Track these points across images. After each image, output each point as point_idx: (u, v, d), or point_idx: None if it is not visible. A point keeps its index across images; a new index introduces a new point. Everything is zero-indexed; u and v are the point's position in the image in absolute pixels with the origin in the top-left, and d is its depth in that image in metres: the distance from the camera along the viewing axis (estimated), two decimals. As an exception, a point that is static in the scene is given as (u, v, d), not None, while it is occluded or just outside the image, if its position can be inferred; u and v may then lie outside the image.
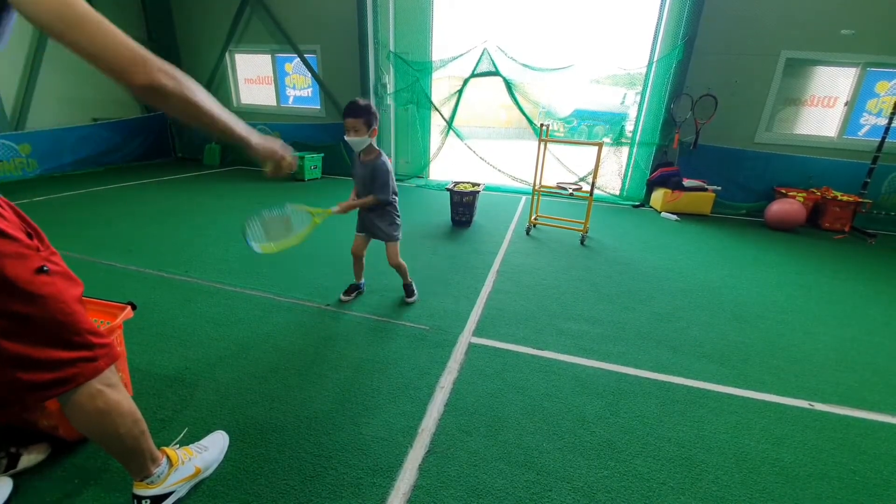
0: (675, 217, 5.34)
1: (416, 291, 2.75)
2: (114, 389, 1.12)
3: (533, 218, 4.47)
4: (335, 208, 2.28)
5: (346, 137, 2.26)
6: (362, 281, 2.82)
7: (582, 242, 4.17)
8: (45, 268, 0.96)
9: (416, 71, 6.54)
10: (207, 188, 5.90)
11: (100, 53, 0.81)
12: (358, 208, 2.47)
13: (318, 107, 7.47)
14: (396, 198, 2.51)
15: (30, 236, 0.96)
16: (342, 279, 3.02)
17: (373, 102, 7.02)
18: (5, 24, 0.88)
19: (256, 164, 7.89)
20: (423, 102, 6.59)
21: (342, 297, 2.74)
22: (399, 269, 2.66)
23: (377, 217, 2.51)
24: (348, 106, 2.18)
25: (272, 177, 1.25)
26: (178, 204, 4.96)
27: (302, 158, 6.60)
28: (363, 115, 2.18)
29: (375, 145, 2.36)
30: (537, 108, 6.50)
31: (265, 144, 1.19)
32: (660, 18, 5.64)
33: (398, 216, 2.57)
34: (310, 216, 2.12)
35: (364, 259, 2.72)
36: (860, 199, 5.03)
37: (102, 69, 0.82)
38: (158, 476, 1.26)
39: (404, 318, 2.54)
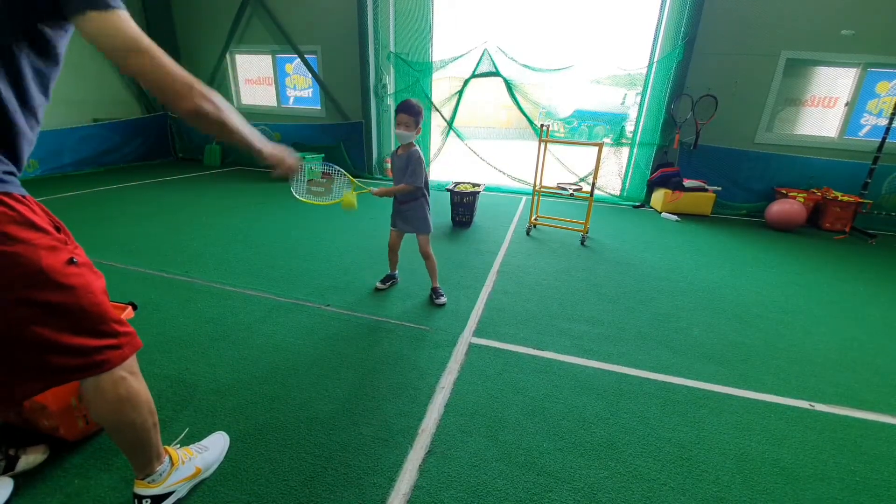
0: (675, 217, 5.34)
1: (444, 295, 2.79)
2: (135, 378, 1.16)
3: (533, 218, 4.47)
4: (375, 189, 2.47)
5: (396, 130, 2.46)
6: (397, 271, 2.98)
7: (582, 243, 4.17)
8: (75, 259, 1.00)
9: (417, 71, 6.54)
10: (207, 188, 5.90)
11: (158, 82, 0.94)
12: (393, 198, 2.64)
13: (319, 107, 7.47)
14: (428, 192, 2.64)
15: (57, 230, 1.01)
16: (342, 279, 3.03)
17: (373, 103, 7.01)
18: (61, 46, 0.97)
19: (256, 165, 7.87)
20: (424, 103, 6.60)
21: (378, 286, 2.90)
22: (428, 262, 2.76)
23: (409, 210, 2.62)
24: (405, 104, 2.41)
25: (277, 178, 1.42)
26: (179, 204, 4.96)
27: (302, 159, 6.59)
28: (415, 115, 2.41)
29: (416, 142, 2.55)
30: (538, 109, 6.51)
31: (275, 153, 1.35)
32: (660, 18, 5.64)
33: (428, 210, 2.66)
34: (349, 186, 2.42)
35: (399, 252, 2.87)
36: (861, 200, 5.02)
37: (156, 94, 0.95)
38: (160, 475, 1.26)
39: (404, 319, 2.54)
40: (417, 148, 2.52)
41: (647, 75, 5.87)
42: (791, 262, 3.93)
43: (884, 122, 5.09)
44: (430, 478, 1.48)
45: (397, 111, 2.43)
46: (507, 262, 3.55)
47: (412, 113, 2.39)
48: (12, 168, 0.94)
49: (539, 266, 3.50)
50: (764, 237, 4.77)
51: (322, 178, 2.47)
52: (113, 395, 1.10)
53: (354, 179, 2.42)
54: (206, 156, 7.87)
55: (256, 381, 1.92)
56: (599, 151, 4.05)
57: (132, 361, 1.15)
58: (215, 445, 1.49)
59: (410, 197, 2.59)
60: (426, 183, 2.59)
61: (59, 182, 5.84)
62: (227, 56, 7.65)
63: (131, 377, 1.14)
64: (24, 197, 0.94)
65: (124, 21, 0.89)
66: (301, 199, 2.32)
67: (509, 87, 6.22)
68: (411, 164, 2.48)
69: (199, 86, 0.99)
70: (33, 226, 0.93)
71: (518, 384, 1.99)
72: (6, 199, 0.89)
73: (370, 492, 1.41)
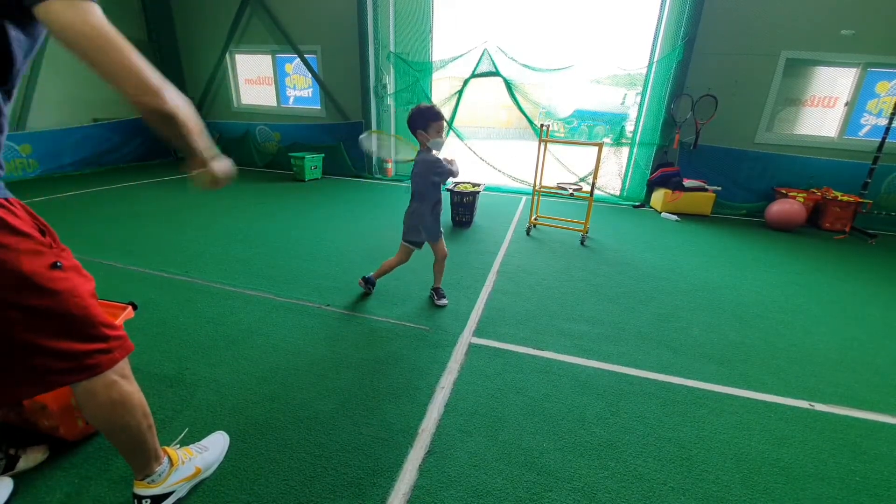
0: (675, 217, 5.34)
1: (445, 296, 2.76)
2: (127, 381, 1.15)
3: (533, 218, 4.46)
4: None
5: (435, 140, 2.34)
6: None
7: (582, 243, 4.16)
8: (59, 263, 0.99)
9: (417, 71, 6.54)
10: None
11: (115, 77, 0.86)
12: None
13: (319, 107, 7.47)
14: (414, 197, 2.54)
15: (42, 233, 0.99)
16: (342, 279, 3.03)
17: (373, 103, 6.99)
18: (37, 36, 0.92)
19: (256, 165, 7.86)
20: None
21: (369, 291, 2.84)
22: (443, 263, 2.73)
23: (438, 216, 2.59)
24: (436, 110, 2.32)
25: (197, 186, 1.17)
26: (178, 204, 4.96)
27: (302, 159, 6.61)
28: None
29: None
30: (537, 109, 6.50)
31: (213, 166, 1.15)
32: (660, 18, 5.64)
33: (412, 217, 2.56)
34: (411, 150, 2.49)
35: (438, 259, 2.75)
36: (860, 200, 5.02)
37: (116, 89, 0.88)
38: (160, 475, 1.26)
39: (404, 318, 2.54)
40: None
41: (647, 75, 5.86)
42: (791, 262, 3.93)
43: (884, 121, 5.09)
44: (430, 478, 1.48)
45: (434, 119, 2.30)
46: (506, 262, 3.55)
47: (443, 116, 2.35)
48: None
49: (539, 266, 3.50)
50: (764, 237, 4.77)
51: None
52: (105, 398, 1.09)
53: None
54: (206, 156, 7.85)
55: (256, 381, 1.93)
56: (599, 151, 4.05)
57: (123, 365, 1.14)
58: (215, 445, 1.49)
59: (438, 201, 2.54)
60: (414, 190, 2.51)
61: (58, 182, 5.84)
62: (227, 56, 7.65)
63: (123, 380, 1.13)
64: (6, 200, 0.92)
65: (95, 10, 0.83)
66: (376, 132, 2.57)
67: (509, 87, 6.22)
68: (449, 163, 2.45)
69: (163, 87, 0.92)
70: (13, 230, 0.91)
71: (518, 384, 2.00)
72: None
73: (370, 492, 1.41)
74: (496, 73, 6.21)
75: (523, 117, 6.37)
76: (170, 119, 0.94)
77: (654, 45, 5.80)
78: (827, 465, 1.63)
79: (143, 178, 6.37)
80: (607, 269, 3.49)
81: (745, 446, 1.70)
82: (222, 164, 1.17)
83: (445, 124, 2.34)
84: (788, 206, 4.97)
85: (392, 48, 6.65)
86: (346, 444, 1.60)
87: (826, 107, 5.56)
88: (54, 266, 0.97)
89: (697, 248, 4.22)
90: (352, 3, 6.39)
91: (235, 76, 7.91)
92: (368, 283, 2.80)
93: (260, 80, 7.82)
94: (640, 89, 6.13)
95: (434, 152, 2.41)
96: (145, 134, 7.69)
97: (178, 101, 0.95)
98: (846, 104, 5.44)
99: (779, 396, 2.01)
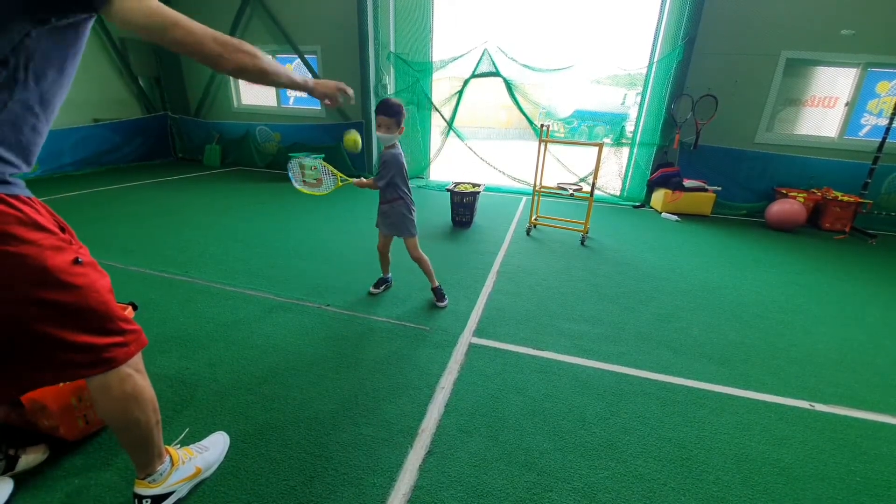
0: (675, 217, 5.34)
1: (446, 296, 2.76)
2: (141, 375, 1.17)
3: (533, 218, 4.46)
4: (355, 180, 2.53)
5: (376, 133, 2.40)
6: (389, 274, 2.94)
7: (582, 243, 4.16)
8: (80, 259, 1.01)
9: (417, 71, 6.54)
10: (207, 189, 5.90)
11: (192, 50, 1.05)
12: (369, 189, 2.63)
13: (319, 107, 7.47)
14: (409, 193, 2.57)
15: (62, 230, 1.02)
16: (342, 279, 3.03)
17: (373, 103, 7.01)
18: (82, 34, 0.98)
19: (256, 165, 7.88)
20: (424, 103, 6.59)
21: (372, 290, 2.85)
22: (421, 264, 2.71)
23: (388, 211, 2.58)
24: (383, 104, 2.33)
25: (332, 107, 1.47)
26: (179, 204, 4.96)
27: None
28: (395, 115, 2.33)
29: (398, 142, 2.50)
30: (538, 109, 6.50)
31: (324, 85, 1.47)
32: (660, 19, 5.64)
33: (409, 212, 2.58)
34: (335, 179, 2.66)
35: (389, 255, 2.83)
36: (861, 200, 5.02)
37: (194, 59, 1.06)
38: (161, 474, 1.27)
39: (404, 319, 2.54)
40: (397, 149, 2.45)
41: (647, 75, 5.87)
42: (791, 262, 3.93)
43: (884, 121, 5.09)
44: (430, 478, 1.48)
45: (376, 112, 2.33)
46: (507, 262, 3.55)
47: (391, 113, 2.30)
48: (21, 168, 0.94)
49: (539, 266, 3.50)
50: (764, 237, 4.77)
51: (312, 170, 2.72)
52: (119, 392, 1.11)
53: (338, 172, 2.64)
54: (206, 156, 7.87)
55: (256, 381, 1.93)
56: (599, 151, 4.05)
57: (138, 359, 1.16)
58: (215, 445, 1.50)
59: (388, 197, 2.53)
60: (398, 185, 2.49)
61: (59, 182, 5.84)
62: (228, 56, 7.64)
63: (137, 374, 1.15)
64: (29, 198, 0.95)
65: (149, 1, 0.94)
66: (301, 189, 2.74)
67: (509, 87, 6.22)
68: (381, 163, 2.47)
69: (231, 43, 1.08)
70: (38, 226, 0.93)
71: (518, 384, 2.00)
72: (12, 200, 0.90)
73: (370, 492, 1.41)
74: (496, 74, 6.21)
75: (523, 117, 6.37)
76: (246, 71, 1.13)
77: (654, 46, 5.80)
78: (827, 465, 1.63)
79: (144, 178, 6.37)
80: (607, 269, 3.49)
81: (745, 446, 1.70)
82: (325, 84, 1.47)
83: (380, 118, 2.32)
84: (788, 207, 4.97)
85: (392, 48, 6.65)
86: (347, 444, 1.60)
87: (826, 107, 5.56)
88: (76, 262, 1.00)
89: (697, 248, 4.22)
90: (352, 3, 6.39)
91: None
92: (383, 282, 2.89)
93: (260, 81, 7.81)
94: (640, 89, 6.14)
95: (389, 147, 2.46)
96: (145, 134, 7.70)
97: (254, 54, 1.13)
98: (846, 104, 5.44)
99: (779, 396, 2.01)
